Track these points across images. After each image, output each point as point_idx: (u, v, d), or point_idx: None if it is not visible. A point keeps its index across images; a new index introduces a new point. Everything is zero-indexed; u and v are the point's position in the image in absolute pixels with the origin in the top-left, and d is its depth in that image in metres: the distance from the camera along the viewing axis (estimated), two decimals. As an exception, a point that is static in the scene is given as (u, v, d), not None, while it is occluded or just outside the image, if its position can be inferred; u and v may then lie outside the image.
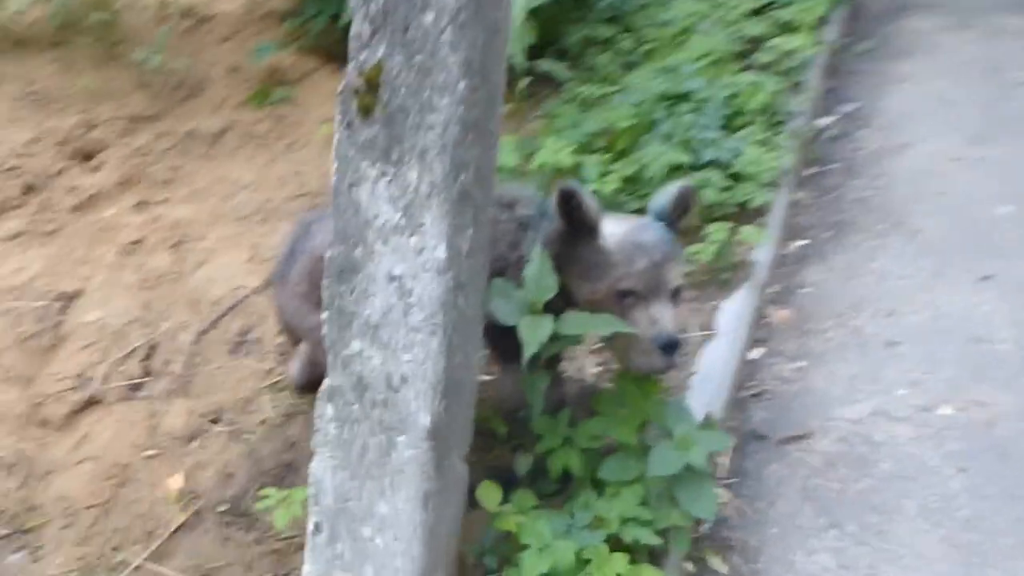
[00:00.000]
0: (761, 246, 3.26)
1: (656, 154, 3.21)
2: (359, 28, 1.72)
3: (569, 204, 2.13)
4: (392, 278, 1.75)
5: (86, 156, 3.53)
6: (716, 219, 3.26)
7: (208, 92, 3.90)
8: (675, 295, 2.24)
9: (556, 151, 3.13)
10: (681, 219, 2.30)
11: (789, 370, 2.90)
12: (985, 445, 2.56)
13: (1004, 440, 2.58)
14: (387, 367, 1.78)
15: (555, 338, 2.08)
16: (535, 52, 4.36)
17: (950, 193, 3.76)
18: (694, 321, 2.96)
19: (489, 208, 1.89)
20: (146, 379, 2.69)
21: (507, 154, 3.17)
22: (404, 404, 1.79)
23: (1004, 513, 2.36)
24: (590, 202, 2.15)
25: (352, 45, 1.72)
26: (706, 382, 2.70)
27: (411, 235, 1.73)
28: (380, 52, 1.69)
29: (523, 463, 2.22)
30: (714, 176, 3.30)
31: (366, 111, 1.71)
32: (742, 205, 3.37)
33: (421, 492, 1.81)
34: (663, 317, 2.17)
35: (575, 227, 2.16)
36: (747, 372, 2.87)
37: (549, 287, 2.11)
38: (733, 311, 3.00)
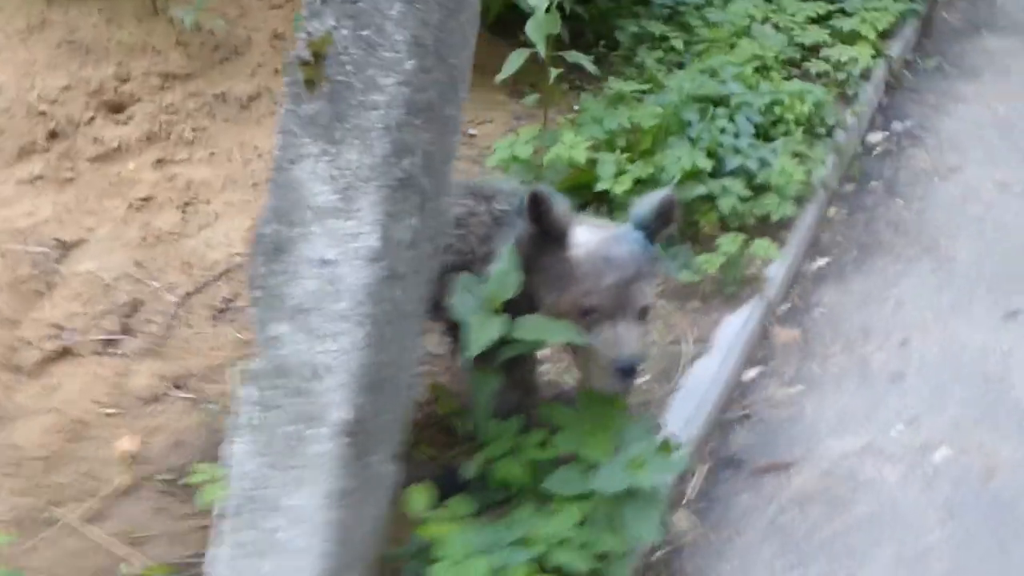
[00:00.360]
0: (776, 261, 3.07)
1: (676, 157, 3.03)
2: (309, -2, 1.60)
3: (538, 209, 1.99)
4: (324, 262, 1.63)
5: (115, 108, 3.48)
6: (732, 230, 3.08)
7: (247, 56, 3.83)
8: (643, 313, 2.09)
9: (572, 146, 2.97)
10: (661, 230, 2.14)
11: (782, 394, 2.72)
12: (978, 496, 2.37)
13: (1000, 492, 2.38)
14: (310, 355, 1.67)
15: (509, 341, 1.94)
16: (584, 44, 4.23)
17: (990, 221, 3.52)
18: (691, 333, 2.79)
19: (444, 198, 1.76)
20: (123, 336, 2.63)
21: (522, 145, 3.03)
22: (323, 395, 1.67)
23: (986, 571, 2.17)
24: (559, 209, 2.00)
25: (303, 12, 1.60)
26: (688, 399, 2.54)
27: (347, 219, 1.61)
28: (328, 22, 1.57)
29: (470, 467, 2.09)
30: (735, 185, 3.12)
31: (311, 84, 1.59)
32: (763, 218, 3.18)
33: (329, 489, 1.69)
34: (626, 338, 2.02)
35: (544, 233, 2.02)
36: (738, 392, 2.70)
37: (511, 286, 1.97)
38: (734, 326, 2.83)
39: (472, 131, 3.59)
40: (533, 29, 3.00)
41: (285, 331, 1.68)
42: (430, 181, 1.67)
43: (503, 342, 1.98)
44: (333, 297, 1.63)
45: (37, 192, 3.16)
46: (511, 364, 2.04)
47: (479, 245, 2.10)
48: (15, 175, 3.22)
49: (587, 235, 2.05)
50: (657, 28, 4.34)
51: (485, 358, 2.01)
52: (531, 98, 3.40)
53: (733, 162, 3.21)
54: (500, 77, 3.20)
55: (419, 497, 1.93)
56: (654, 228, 2.11)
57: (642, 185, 2.95)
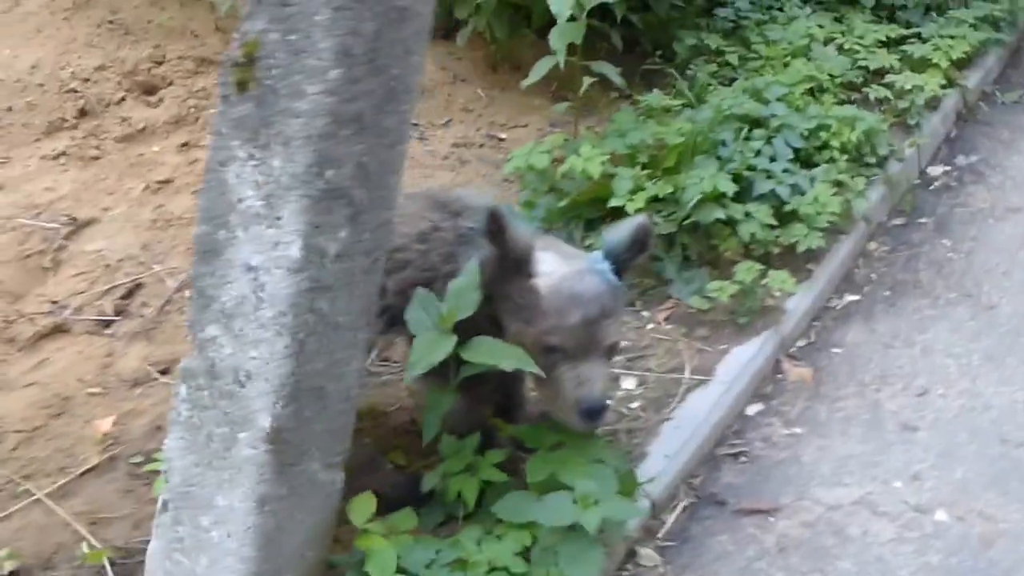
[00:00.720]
0: (797, 294, 2.94)
1: (699, 177, 2.92)
2: (247, -5, 1.57)
3: (495, 229, 1.92)
4: (249, 268, 1.61)
5: (148, 90, 3.53)
6: (755, 258, 2.96)
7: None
8: (610, 351, 2.04)
9: (588, 158, 2.89)
10: (634, 259, 2.07)
11: (782, 435, 2.60)
12: (973, 564, 2.22)
13: (998, 563, 2.22)
14: (236, 359, 1.65)
15: (462, 361, 1.89)
16: (639, 54, 4.13)
17: (1042, 271, 3.31)
18: (693, 361, 2.68)
19: (384, 211, 1.71)
20: (117, 318, 2.65)
21: (539, 154, 2.96)
22: (248, 401, 1.65)
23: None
24: (518, 234, 1.92)
25: (243, 12, 1.57)
26: (680, 431, 2.44)
27: (269, 226, 1.58)
28: (260, 24, 1.54)
29: (428, 481, 2.04)
30: (761, 211, 2.99)
31: (241, 86, 1.57)
32: (790, 247, 3.05)
33: (256, 494, 1.69)
34: (591, 378, 1.97)
35: (505, 256, 1.95)
36: (735, 428, 2.59)
37: (468, 305, 1.91)
38: (741, 359, 2.71)
39: (502, 135, 3.54)
40: (556, 37, 2.94)
41: (216, 334, 1.67)
42: (364, 193, 1.63)
43: (460, 360, 1.93)
44: (257, 304, 1.61)
45: (60, 168, 3.23)
46: (473, 381, 1.99)
47: (442, 263, 2.04)
48: (41, 150, 3.29)
49: (552, 265, 1.98)
50: (715, 42, 4.21)
51: (441, 374, 1.96)
52: (561, 106, 3.33)
53: (763, 187, 3.08)
54: (525, 83, 3.15)
55: (361, 507, 1.90)
56: (626, 258, 2.04)
57: (658, 204, 2.86)
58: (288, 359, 1.61)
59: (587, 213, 2.94)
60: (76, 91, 3.45)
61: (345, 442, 1.83)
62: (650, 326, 2.82)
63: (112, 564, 2.01)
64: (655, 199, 2.88)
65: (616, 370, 2.63)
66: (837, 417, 2.66)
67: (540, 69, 3.03)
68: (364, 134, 1.59)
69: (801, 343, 2.95)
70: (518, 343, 1.97)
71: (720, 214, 2.88)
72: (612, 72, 3.06)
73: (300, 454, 1.71)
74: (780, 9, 4.57)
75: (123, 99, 3.46)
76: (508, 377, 2.09)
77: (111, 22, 3.72)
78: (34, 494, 2.19)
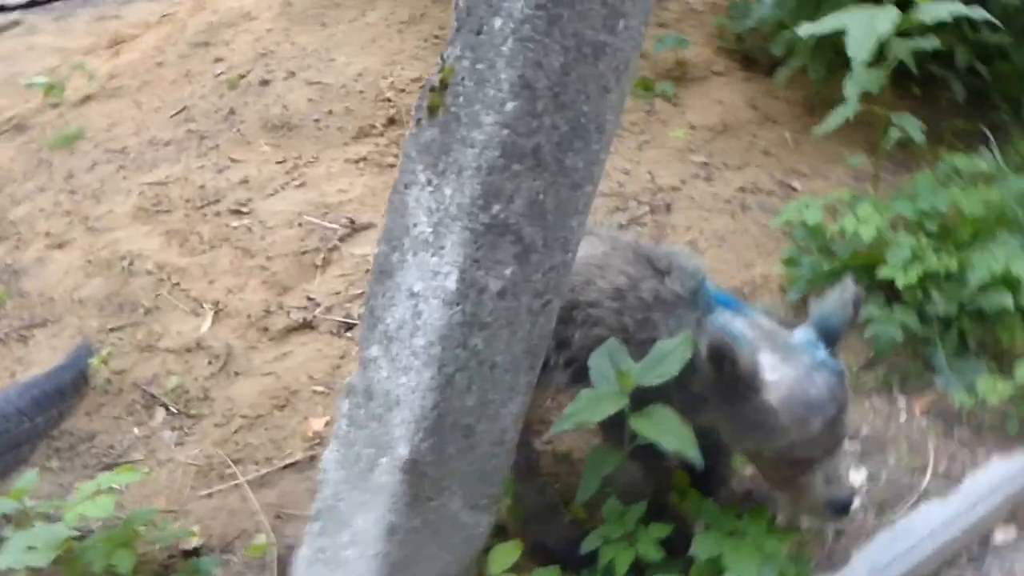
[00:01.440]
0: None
1: (996, 257, 2.56)
2: (452, 21, 1.57)
3: (721, 364, 1.76)
4: (412, 294, 1.60)
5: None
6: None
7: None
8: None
9: (865, 220, 2.62)
10: (845, 331, 1.88)
11: (1036, 570, 2.21)
12: None
13: None
14: (389, 383, 1.65)
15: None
16: (986, 107, 3.72)
17: None
18: (941, 464, 2.36)
19: (562, 254, 1.64)
20: (357, 322, 2.77)
21: (812, 210, 2.73)
22: (392, 427, 1.65)
23: None
24: (746, 360, 1.76)
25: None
26: (895, 542, 2.14)
27: (433, 255, 1.57)
28: (456, 51, 1.53)
29: (588, 543, 1.94)
30: (1070, 304, 2.57)
31: (432, 111, 1.57)
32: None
33: (387, 521, 1.68)
34: (838, 475, 1.86)
35: (730, 381, 1.79)
36: (972, 554, 2.23)
37: (666, 372, 1.78)
38: (1001, 472, 2.34)
39: (796, 184, 3.31)
40: (850, 83, 2.70)
41: (377, 355, 1.68)
42: (538, 232, 1.57)
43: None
44: (412, 331, 1.60)
45: (357, 172, 3.43)
46: (650, 448, 1.86)
47: (636, 328, 1.91)
48: (346, 154, 3.51)
49: (777, 371, 1.79)
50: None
51: (616, 433, 1.86)
52: (856, 159, 3.05)
53: (1080, 276, 2.65)
54: (818, 131, 2.93)
55: (503, 554, 1.85)
56: (838, 332, 1.84)
57: (932, 281, 2.54)
58: (433, 391, 1.59)
59: (856, 279, 2.66)
60: (390, 100, 3.66)
61: (495, 485, 1.78)
62: (902, 416, 2.51)
63: (281, 561, 2.09)
64: (933, 275, 2.56)
65: (846, 458, 2.37)
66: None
67: (836, 117, 2.81)
68: (541, 171, 1.53)
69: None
70: (756, 457, 1.91)
71: (1009, 302, 2.51)
72: (913, 126, 2.76)
73: (439, 489, 1.69)
74: None
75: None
76: (713, 447, 1.95)
77: (436, 36, 3.92)
78: (237, 479, 2.34)
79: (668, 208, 3.10)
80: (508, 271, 1.57)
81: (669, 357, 1.77)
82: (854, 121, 3.09)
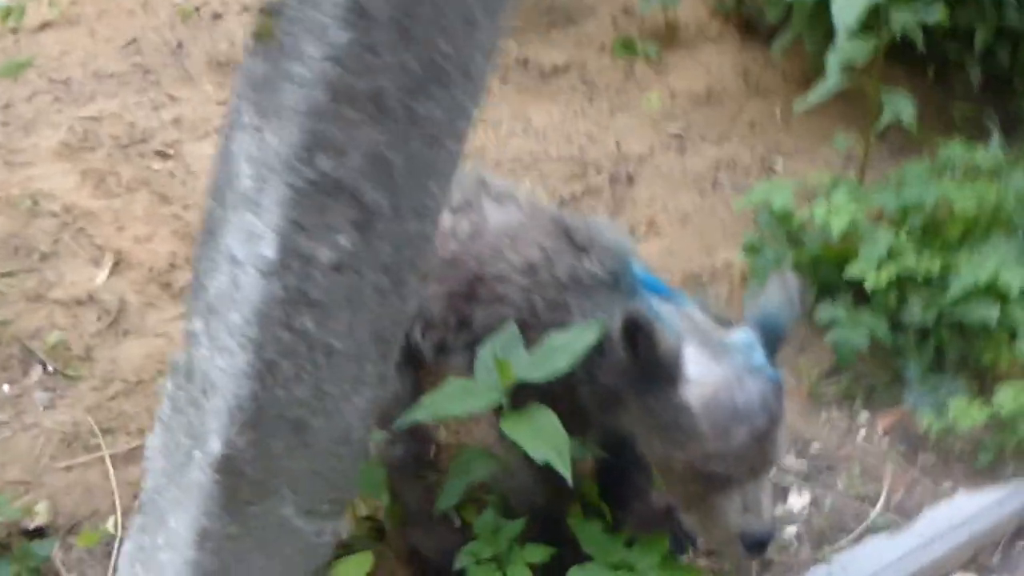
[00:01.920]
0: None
1: (984, 263, 2.27)
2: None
3: (635, 342, 1.52)
4: (233, 260, 1.35)
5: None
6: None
7: (579, 27, 3.55)
8: (776, 463, 1.63)
9: (837, 209, 2.34)
10: (788, 333, 1.62)
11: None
12: None
13: None
14: (207, 364, 1.41)
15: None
16: (1005, 93, 3.41)
17: None
18: (895, 495, 2.10)
19: (418, 223, 1.38)
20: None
21: (779, 192, 2.45)
22: (207, 416, 1.41)
23: None
24: (664, 340, 1.51)
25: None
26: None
27: (253, 214, 1.31)
28: (296, -35, 1.26)
29: (460, 559, 1.69)
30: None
31: (259, 36, 1.30)
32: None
33: (198, 525, 1.43)
34: (758, 504, 1.57)
35: (646, 365, 1.54)
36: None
37: (549, 370, 1.53)
38: (963, 509, 2.09)
39: (778, 164, 3.02)
40: (832, 54, 2.41)
41: (199, 329, 1.43)
42: (383, 196, 1.31)
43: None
44: (231, 305, 1.35)
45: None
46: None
47: (547, 310, 1.66)
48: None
49: (701, 366, 1.54)
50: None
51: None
52: (842, 140, 2.75)
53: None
54: (799, 106, 2.66)
55: (349, 569, 1.60)
56: (781, 333, 1.59)
57: (906, 285, 2.26)
58: (250, 378, 1.34)
59: (822, 276, 2.39)
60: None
61: (342, 489, 1.53)
62: (861, 433, 2.24)
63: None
64: (911, 278, 2.28)
65: (789, 477, 2.11)
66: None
67: (819, 91, 2.52)
68: (385, 121, 1.27)
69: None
70: (665, 469, 1.62)
71: (993, 315, 2.22)
72: (905, 105, 2.46)
73: (264, 492, 1.44)
74: None
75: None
76: (631, 453, 1.70)
77: None
78: (102, 451, 2.12)
79: (630, 179, 2.83)
80: (345, 240, 1.31)
81: (560, 351, 1.52)
82: (852, 101, 2.83)
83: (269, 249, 1.28)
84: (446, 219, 1.76)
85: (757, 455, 1.54)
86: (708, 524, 1.63)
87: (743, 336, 1.60)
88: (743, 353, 1.57)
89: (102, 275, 2.57)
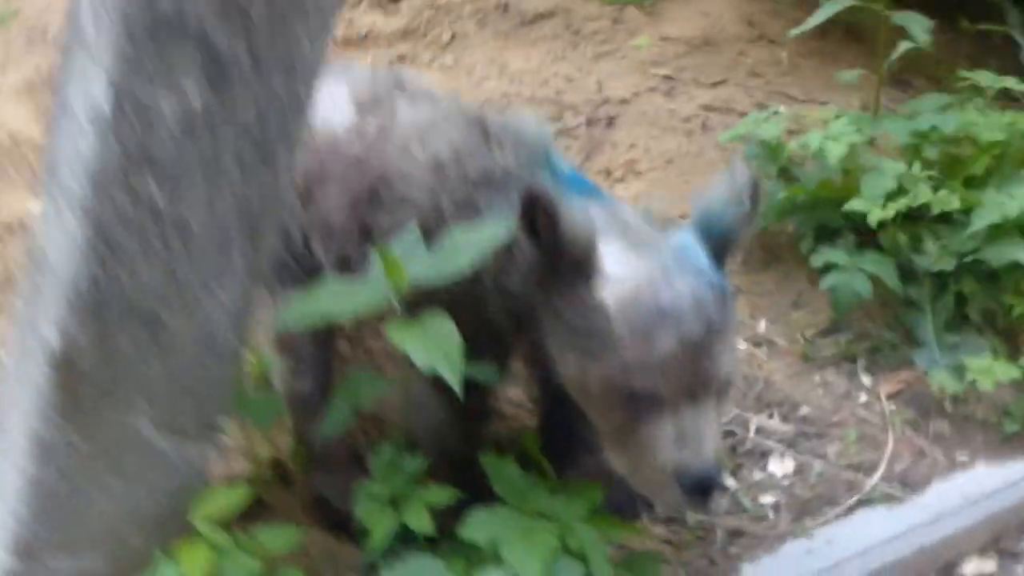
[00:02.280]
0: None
1: (1007, 196, 2.03)
2: None
3: (535, 220, 1.33)
4: (71, 113, 1.19)
5: (390, -2, 3.27)
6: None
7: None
8: (721, 390, 1.36)
9: (833, 136, 2.10)
10: (741, 234, 1.40)
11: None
12: None
13: None
14: (48, 238, 1.25)
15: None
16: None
17: None
18: (899, 462, 1.87)
19: (285, 79, 1.19)
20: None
21: (775, 123, 2.23)
22: (42, 297, 1.26)
23: None
24: (574, 224, 1.32)
25: None
26: (809, 558, 1.67)
27: (90, 58, 1.15)
28: None
29: (356, 501, 1.49)
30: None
31: None
32: None
33: (35, 434, 1.28)
34: (697, 435, 1.32)
35: (553, 256, 1.36)
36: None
37: (445, 271, 1.34)
38: (981, 484, 1.86)
39: (780, 108, 2.78)
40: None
41: (46, 203, 1.26)
42: (239, 43, 1.13)
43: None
44: (68, 170, 1.18)
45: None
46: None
47: (454, 210, 1.49)
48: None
49: (622, 262, 1.35)
50: None
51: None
52: (849, 74, 2.51)
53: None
54: (793, 32, 2.49)
55: (211, 499, 1.40)
56: (730, 234, 1.37)
57: (919, 225, 2.03)
58: (88, 259, 1.17)
59: (820, 216, 2.16)
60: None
61: (211, 409, 1.36)
62: (862, 397, 2.01)
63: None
64: (921, 215, 2.04)
65: (770, 442, 1.89)
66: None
67: (820, 15, 2.33)
68: None
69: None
70: (581, 386, 1.38)
71: (1021, 256, 1.98)
72: (918, 26, 2.22)
73: (111, 400, 1.27)
74: None
75: (360, 2, 3.21)
76: (568, 399, 1.47)
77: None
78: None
79: (610, 122, 2.65)
80: (194, 93, 1.14)
81: (462, 249, 1.32)
82: (864, 44, 2.61)
83: (101, 96, 1.11)
84: (351, 118, 1.61)
85: (690, 370, 1.30)
86: (637, 461, 1.37)
87: (680, 235, 1.40)
88: (678, 252, 1.37)
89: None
